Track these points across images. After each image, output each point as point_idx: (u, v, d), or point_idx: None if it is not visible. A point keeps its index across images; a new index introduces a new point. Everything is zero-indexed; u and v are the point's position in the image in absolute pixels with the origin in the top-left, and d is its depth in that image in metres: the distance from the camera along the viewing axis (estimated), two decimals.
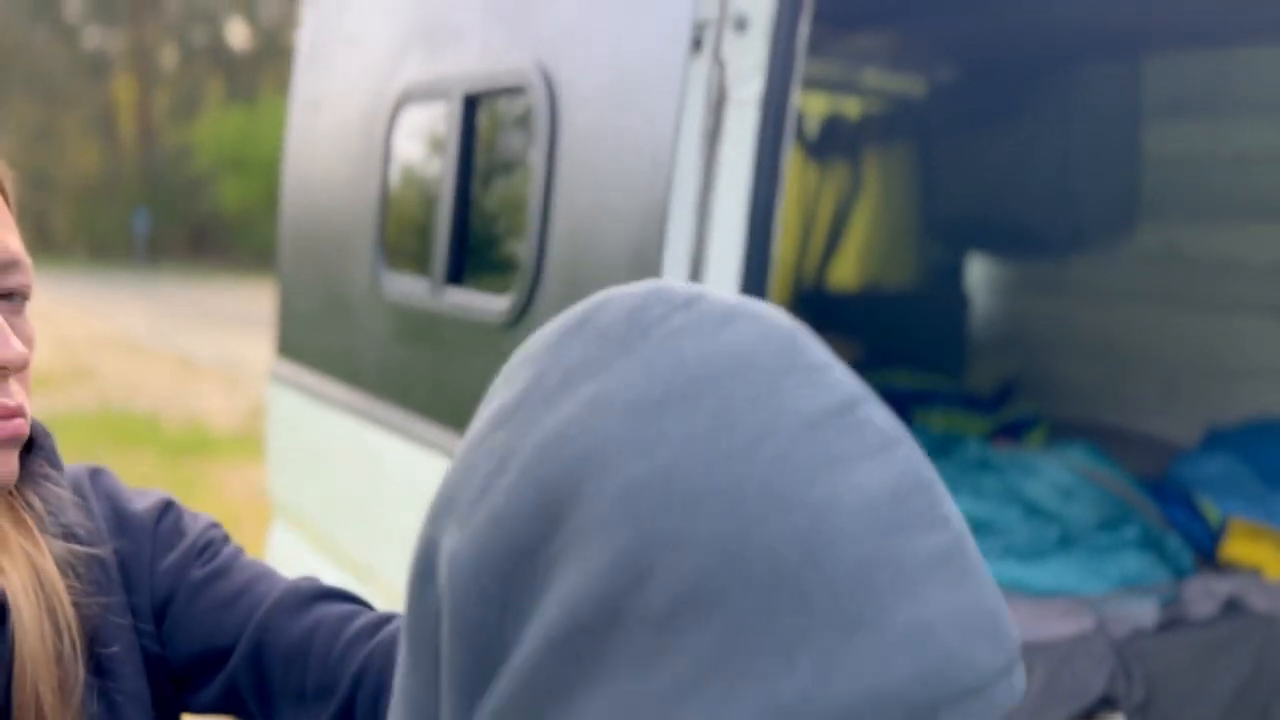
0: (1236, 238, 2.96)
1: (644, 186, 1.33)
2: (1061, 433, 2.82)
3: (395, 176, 1.98)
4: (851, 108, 3.63)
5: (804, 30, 1.37)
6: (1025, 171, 3.15)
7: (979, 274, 3.74)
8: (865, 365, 2.86)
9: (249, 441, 8.88)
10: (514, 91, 1.64)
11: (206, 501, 6.80)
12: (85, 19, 65.05)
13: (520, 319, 1.56)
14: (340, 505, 2.25)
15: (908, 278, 3.64)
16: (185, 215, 58.79)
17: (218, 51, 63.53)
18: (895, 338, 3.42)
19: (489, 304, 1.63)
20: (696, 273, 1.33)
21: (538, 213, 1.52)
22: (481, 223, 1.75)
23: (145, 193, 61.92)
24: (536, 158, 1.54)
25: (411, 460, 1.84)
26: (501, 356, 1.43)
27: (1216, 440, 2.69)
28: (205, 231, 60.58)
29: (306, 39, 2.51)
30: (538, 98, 1.53)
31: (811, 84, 3.13)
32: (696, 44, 1.30)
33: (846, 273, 3.65)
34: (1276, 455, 2.49)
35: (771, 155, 1.35)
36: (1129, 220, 3.09)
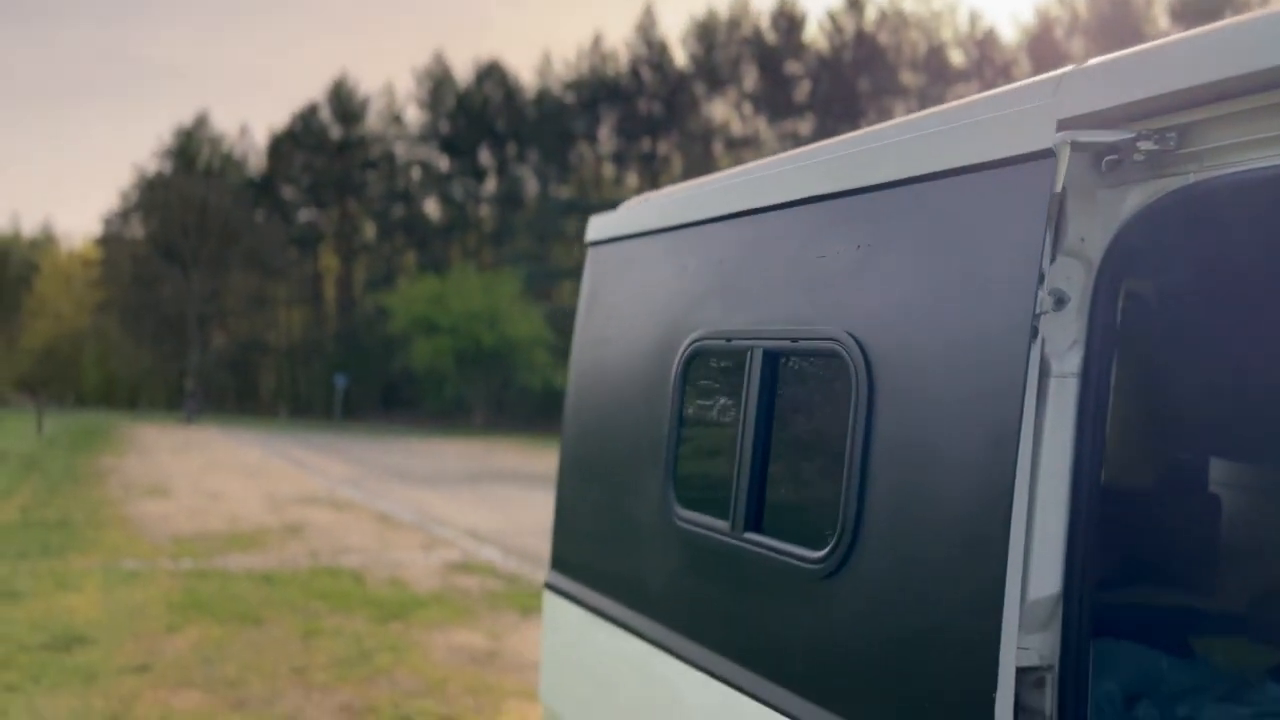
0: None
1: (983, 458, 1.41)
2: None
3: (687, 415, 2.12)
4: None
5: (1119, 306, 1.47)
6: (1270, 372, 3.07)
7: (1226, 475, 3.62)
8: (1117, 583, 2.79)
9: (447, 602, 9.20)
10: (821, 354, 1.77)
11: (416, 665, 7.03)
12: (298, 199, 71.72)
13: (839, 571, 1.64)
14: None
15: (1150, 479, 3.56)
16: (378, 375, 62.58)
17: (413, 225, 68.71)
18: (1144, 540, 3.32)
19: (801, 553, 1.72)
20: (1028, 537, 1.41)
21: (856, 469, 1.63)
22: (781, 472, 1.85)
23: (343, 355, 66.42)
24: (851, 418, 1.66)
25: (707, 693, 1.90)
26: (816, 604, 1.50)
27: None
28: (395, 390, 64.19)
29: (589, 284, 2.74)
30: (853, 362, 1.67)
31: None
32: (1034, 331, 1.41)
33: None
34: None
35: (1094, 426, 1.43)
36: None
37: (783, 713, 1.71)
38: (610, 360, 2.49)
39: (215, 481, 19.71)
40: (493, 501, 18.18)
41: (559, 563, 2.65)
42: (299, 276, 71.12)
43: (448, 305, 47.06)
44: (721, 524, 1.91)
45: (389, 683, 6.73)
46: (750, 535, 1.84)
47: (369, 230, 72.85)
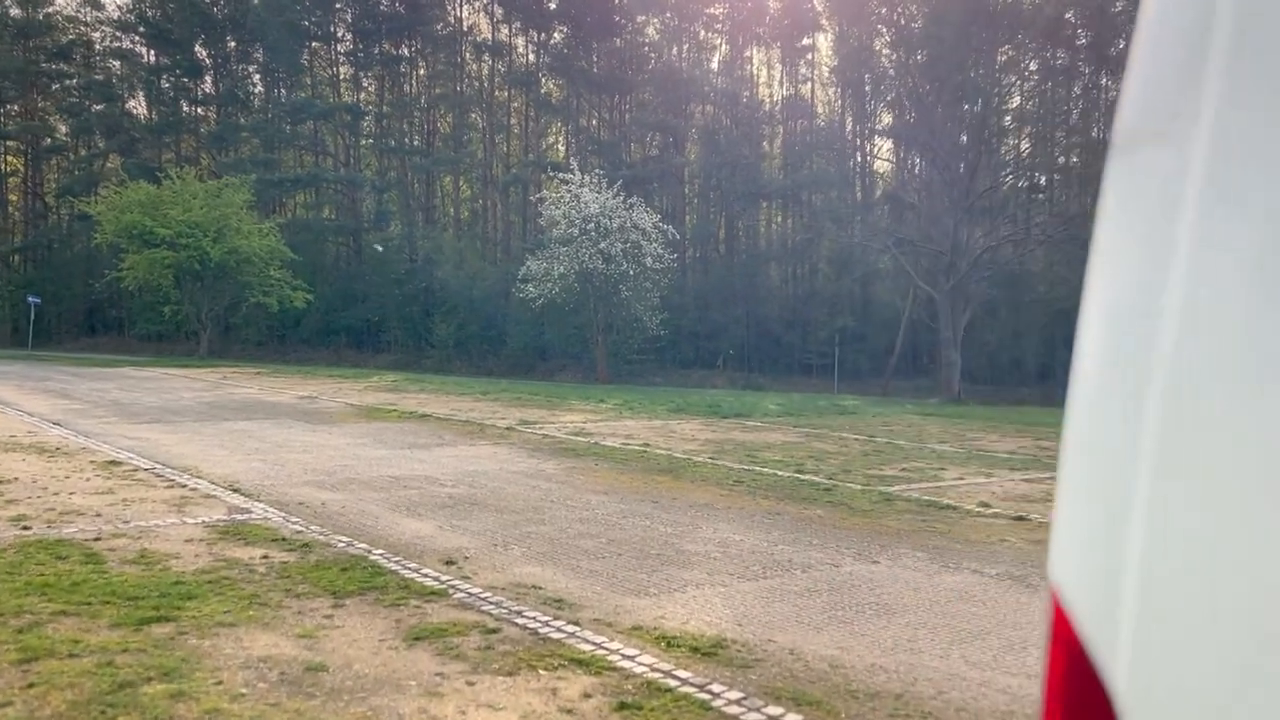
0: None
1: None
2: None
3: None
4: None
5: None
6: None
7: None
8: None
9: (227, 587, 6.74)
10: None
11: (208, 701, 4.72)
12: None
13: None
14: None
15: None
16: (79, 295, 55.08)
17: (116, 126, 60.39)
18: None
19: None
20: None
21: None
22: None
23: (33, 271, 58.00)
24: None
25: None
26: None
27: None
28: (100, 311, 56.83)
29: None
30: None
31: None
32: None
33: None
34: None
35: None
36: None
37: None
38: None
39: None
40: (245, 443, 15.33)
41: None
42: None
43: (166, 215, 41.54)
44: None
45: None
46: None
47: (61, 129, 63.72)
